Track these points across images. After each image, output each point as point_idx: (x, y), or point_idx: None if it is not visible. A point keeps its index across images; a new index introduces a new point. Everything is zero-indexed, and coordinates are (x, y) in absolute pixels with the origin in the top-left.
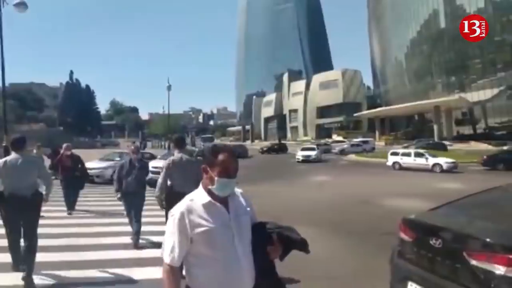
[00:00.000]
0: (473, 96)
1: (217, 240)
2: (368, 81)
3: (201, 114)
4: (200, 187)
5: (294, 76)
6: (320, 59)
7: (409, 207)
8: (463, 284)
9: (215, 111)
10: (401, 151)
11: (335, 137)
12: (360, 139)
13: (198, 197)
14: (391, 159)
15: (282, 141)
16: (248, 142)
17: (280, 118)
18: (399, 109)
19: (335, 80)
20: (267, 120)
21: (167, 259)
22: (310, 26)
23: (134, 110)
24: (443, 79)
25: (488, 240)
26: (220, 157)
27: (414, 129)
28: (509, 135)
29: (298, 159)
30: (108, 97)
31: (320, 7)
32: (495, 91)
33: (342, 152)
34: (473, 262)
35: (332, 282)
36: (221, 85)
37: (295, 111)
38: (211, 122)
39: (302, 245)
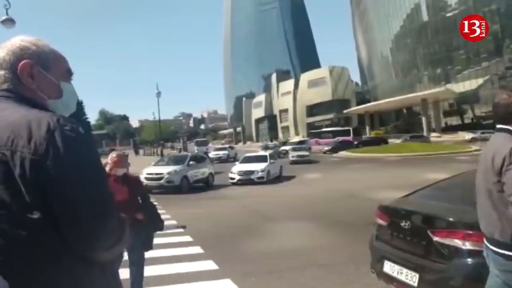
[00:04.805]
0: (459, 87)
1: None
2: (355, 77)
3: (192, 119)
4: None
5: (282, 76)
6: (307, 58)
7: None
8: (428, 258)
9: (205, 115)
10: None
11: None
12: (298, 139)
13: None
14: None
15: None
16: (240, 144)
17: (270, 118)
18: (387, 103)
19: (323, 77)
20: (258, 121)
21: None
22: (296, 26)
23: (124, 118)
24: (429, 72)
25: (446, 219)
26: None
27: (403, 123)
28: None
29: (233, 178)
30: (96, 106)
31: (304, 6)
32: (480, 81)
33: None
34: (436, 239)
35: (320, 268)
36: (211, 88)
37: (285, 110)
38: (202, 126)
39: None
